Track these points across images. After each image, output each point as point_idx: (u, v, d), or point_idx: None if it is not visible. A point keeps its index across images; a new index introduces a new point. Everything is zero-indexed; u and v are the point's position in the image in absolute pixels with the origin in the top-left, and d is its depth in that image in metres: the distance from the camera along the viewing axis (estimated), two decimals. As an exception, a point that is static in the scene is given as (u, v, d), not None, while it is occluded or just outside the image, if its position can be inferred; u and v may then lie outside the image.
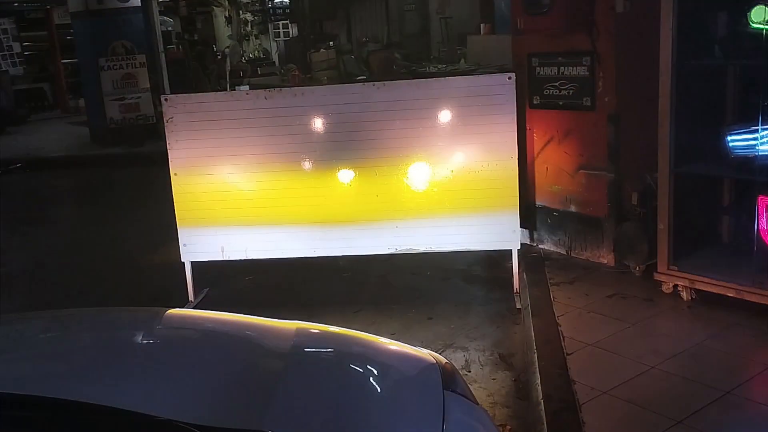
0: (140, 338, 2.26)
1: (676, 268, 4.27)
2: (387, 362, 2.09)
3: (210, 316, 2.43)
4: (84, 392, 1.71)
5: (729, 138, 4.07)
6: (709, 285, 4.12)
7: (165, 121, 4.82)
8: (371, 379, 1.97)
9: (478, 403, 2.09)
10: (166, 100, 4.87)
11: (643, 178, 4.64)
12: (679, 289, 4.28)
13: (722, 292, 4.06)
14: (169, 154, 4.84)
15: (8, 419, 1.59)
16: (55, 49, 17.35)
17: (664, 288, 4.35)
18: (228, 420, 1.59)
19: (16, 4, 17.37)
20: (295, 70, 15.05)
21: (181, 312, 3.13)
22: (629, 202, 4.81)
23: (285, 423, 1.58)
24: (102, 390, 1.75)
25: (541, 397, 3.39)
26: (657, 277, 4.36)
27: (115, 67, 11.83)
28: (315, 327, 2.24)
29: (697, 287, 4.19)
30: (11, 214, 8.61)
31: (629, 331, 4.00)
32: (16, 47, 16.87)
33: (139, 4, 12.28)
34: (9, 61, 16.77)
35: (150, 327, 2.31)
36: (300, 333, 2.16)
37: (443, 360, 2.15)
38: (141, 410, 1.61)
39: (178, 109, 4.80)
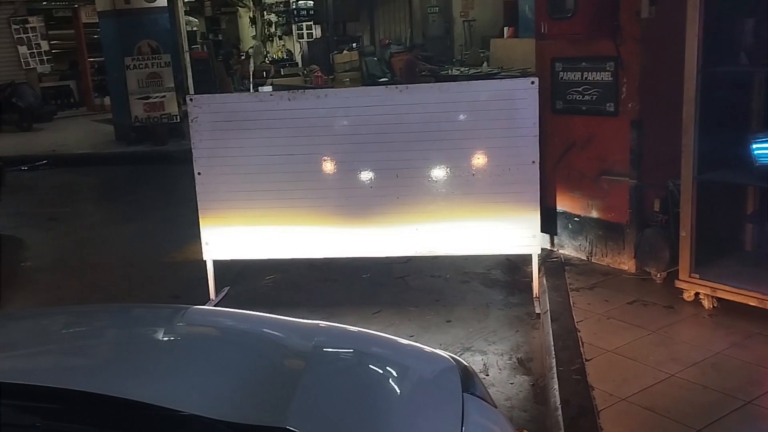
0: (165, 334, 2.29)
1: (697, 275, 4.24)
2: (407, 363, 2.11)
3: (233, 314, 2.46)
4: (109, 386, 1.74)
5: (754, 145, 4.03)
6: (731, 293, 4.09)
7: (190, 121, 4.88)
8: (391, 379, 1.98)
9: (496, 406, 2.10)
10: (191, 99, 4.92)
11: (666, 184, 4.61)
12: (701, 297, 4.26)
13: (744, 301, 4.02)
14: (193, 154, 4.89)
15: (33, 410, 1.62)
16: (82, 48, 17.62)
17: (685, 296, 4.33)
18: (251, 416, 1.61)
19: (44, 3, 17.64)
20: (318, 71, 15.14)
21: (204, 309, 3.17)
22: (651, 208, 4.78)
23: (307, 421, 1.60)
24: (127, 384, 1.79)
25: (559, 402, 3.38)
26: (678, 284, 4.33)
27: (140, 66, 11.96)
28: (336, 327, 2.26)
29: (718, 295, 4.16)
30: (37, 210, 8.76)
31: (649, 338, 3.98)
32: (44, 45, 17.13)
33: (165, 4, 12.41)
34: (37, 58, 17.03)
35: (174, 324, 2.35)
36: (321, 332, 2.18)
37: (462, 362, 2.16)
38: (165, 405, 1.64)
39: (202, 109, 4.86)
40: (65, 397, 1.64)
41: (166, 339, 2.28)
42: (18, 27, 16.73)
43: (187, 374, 1.89)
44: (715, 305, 4.20)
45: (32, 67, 16.90)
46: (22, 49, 16.79)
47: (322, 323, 2.25)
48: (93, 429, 1.56)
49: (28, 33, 16.86)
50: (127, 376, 1.86)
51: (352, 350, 2.14)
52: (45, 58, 17.19)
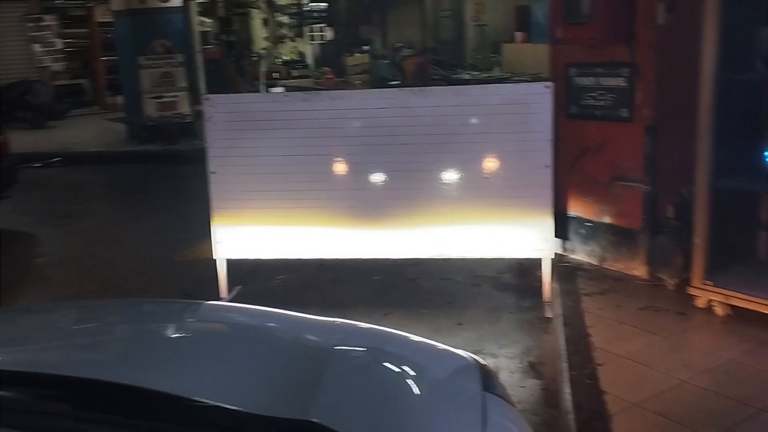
0: (187, 328, 2.31)
1: (711, 282, 4.23)
2: (427, 361, 2.12)
3: (253, 310, 2.48)
4: (132, 377, 1.76)
5: (769, 153, 4.03)
6: (744, 301, 4.08)
7: (205, 120, 4.90)
8: (413, 377, 1.99)
9: (515, 406, 2.10)
10: (207, 99, 4.96)
11: (680, 191, 4.60)
12: (714, 304, 4.25)
13: (758, 309, 4.01)
14: (208, 152, 4.91)
15: (63, 399, 1.64)
16: (95, 47, 17.72)
17: (698, 302, 4.32)
18: (275, 409, 1.63)
19: (59, 1, 17.73)
20: (329, 73, 15.19)
21: (226, 305, 3.19)
22: (664, 214, 4.77)
23: (332, 416, 1.61)
24: (149, 375, 1.81)
25: (570, 406, 3.38)
26: (691, 291, 4.32)
27: (153, 65, 12.01)
28: (357, 324, 2.28)
29: (732, 303, 4.15)
30: (50, 207, 8.81)
31: (661, 344, 3.98)
32: (58, 43, 17.23)
33: (179, 4, 12.48)
34: (51, 57, 17.13)
35: (196, 318, 2.37)
36: (342, 329, 2.20)
37: (482, 361, 2.17)
38: (189, 396, 1.66)
39: (218, 108, 4.89)
40: (94, 386, 1.66)
41: (188, 333, 2.29)
42: (32, 25, 16.83)
43: (211, 367, 1.90)
44: (728, 312, 4.19)
45: (46, 65, 17.00)
46: (36, 47, 16.90)
47: (342, 320, 2.27)
48: (121, 418, 1.58)
49: (42, 31, 16.97)
50: (153, 368, 1.88)
51: (372, 348, 2.15)
52: (59, 56, 17.29)
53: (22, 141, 11.84)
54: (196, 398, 1.64)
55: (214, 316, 2.43)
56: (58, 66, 17.29)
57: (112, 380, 1.69)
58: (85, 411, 1.56)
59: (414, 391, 1.91)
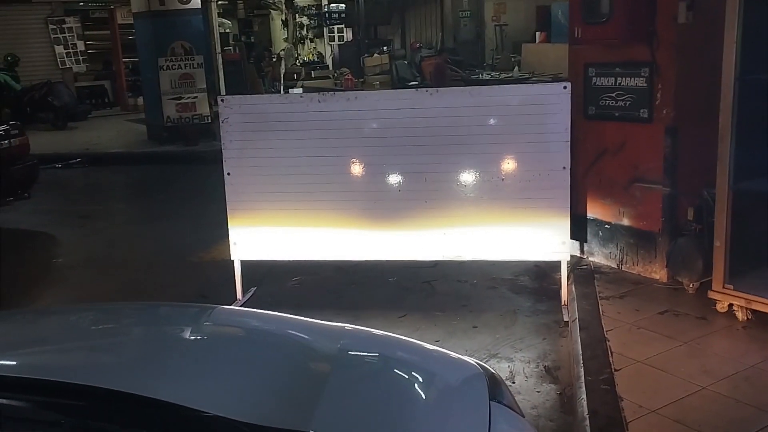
0: (190, 334, 2.29)
1: (731, 287, 4.14)
2: (434, 369, 2.08)
3: (260, 315, 2.46)
4: (133, 384, 1.75)
5: (792, 155, 3.94)
6: (766, 306, 3.99)
7: (221, 122, 4.90)
8: (418, 385, 1.96)
9: (524, 416, 2.06)
10: (222, 100, 4.95)
11: (700, 193, 4.52)
12: (735, 308, 4.16)
13: (780, 314, 3.93)
14: (223, 154, 4.91)
15: (58, 407, 1.63)
16: (117, 48, 17.91)
17: (718, 307, 4.24)
18: (275, 419, 1.60)
19: (81, 4, 17.93)
20: (349, 74, 15.20)
21: (231, 309, 3.18)
22: (684, 217, 4.69)
23: (332, 425, 1.59)
24: (151, 383, 1.79)
25: (586, 412, 3.32)
26: (711, 295, 4.24)
27: (173, 67, 12.09)
28: (363, 330, 2.25)
29: (753, 307, 4.07)
30: (69, 208, 8.89)
31: (680, 349, 3.90)
32: (80, 45, 17.42)
33: (199, 6, 12.54)
34: (73, 58, 17.32)
35: (201, 324, 2.35)
36: (348, 335, 2.17)
37: (490, 369, 2.13)
38: (189, 405, 1.64)
39: (233, 110, 4.88)
40: (90, 394, 1.64)
41: (192, 339, 2.28)
42: (55, 27, 17.03)
43: (212, 375, 1.89)
44: (750, 317, 4.11)
45: (68, 66, 17.20)
46: (59, 49, 17.10)
47: (348, 326, 2.24)
48: (117, 427, 1.56)
49: (64, 33, 17.16)
50: (151, 375, 1.86)
51: (378, 355, 2.12)
52: (81, 58, 17.48)
53: (43, 141, 12.00)
54: (194, 407, 1.62)
55: (222, 322, 2.42)
56: (79, 67, 17.48)
57: (114, 386, 1.68)
58: (81, 419, 1.54)
59: (418, 399, 1.88)
